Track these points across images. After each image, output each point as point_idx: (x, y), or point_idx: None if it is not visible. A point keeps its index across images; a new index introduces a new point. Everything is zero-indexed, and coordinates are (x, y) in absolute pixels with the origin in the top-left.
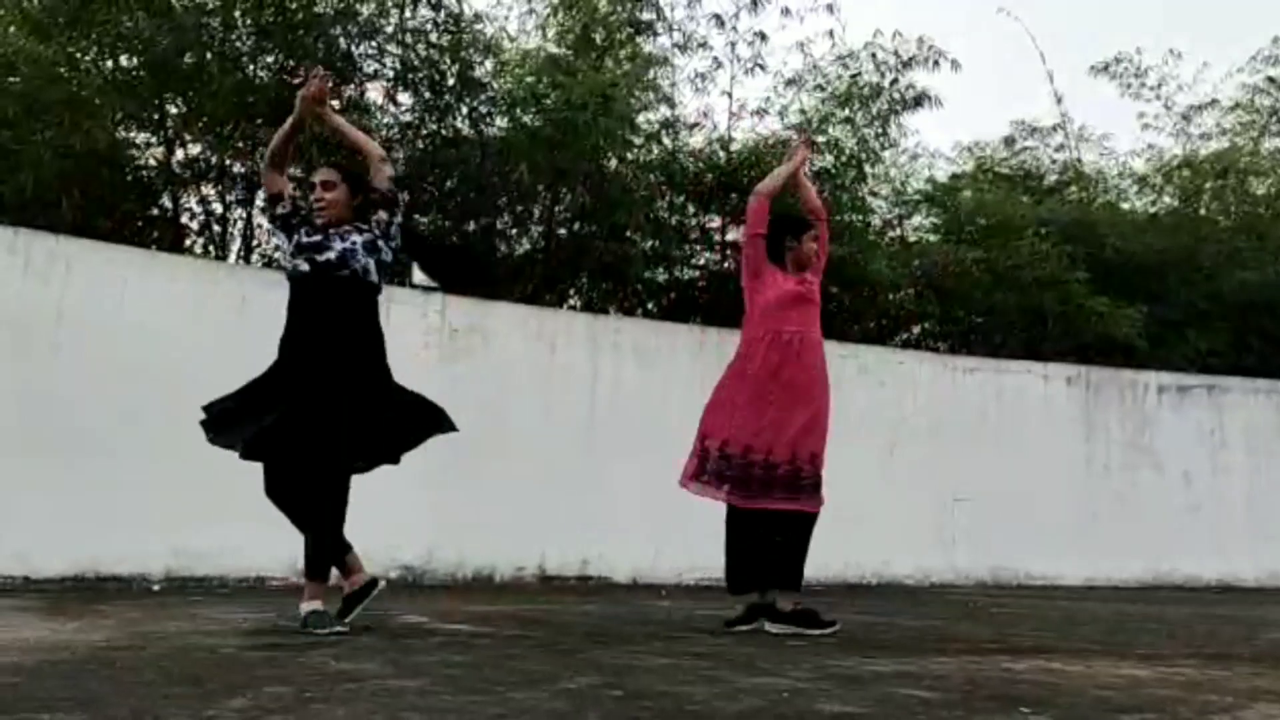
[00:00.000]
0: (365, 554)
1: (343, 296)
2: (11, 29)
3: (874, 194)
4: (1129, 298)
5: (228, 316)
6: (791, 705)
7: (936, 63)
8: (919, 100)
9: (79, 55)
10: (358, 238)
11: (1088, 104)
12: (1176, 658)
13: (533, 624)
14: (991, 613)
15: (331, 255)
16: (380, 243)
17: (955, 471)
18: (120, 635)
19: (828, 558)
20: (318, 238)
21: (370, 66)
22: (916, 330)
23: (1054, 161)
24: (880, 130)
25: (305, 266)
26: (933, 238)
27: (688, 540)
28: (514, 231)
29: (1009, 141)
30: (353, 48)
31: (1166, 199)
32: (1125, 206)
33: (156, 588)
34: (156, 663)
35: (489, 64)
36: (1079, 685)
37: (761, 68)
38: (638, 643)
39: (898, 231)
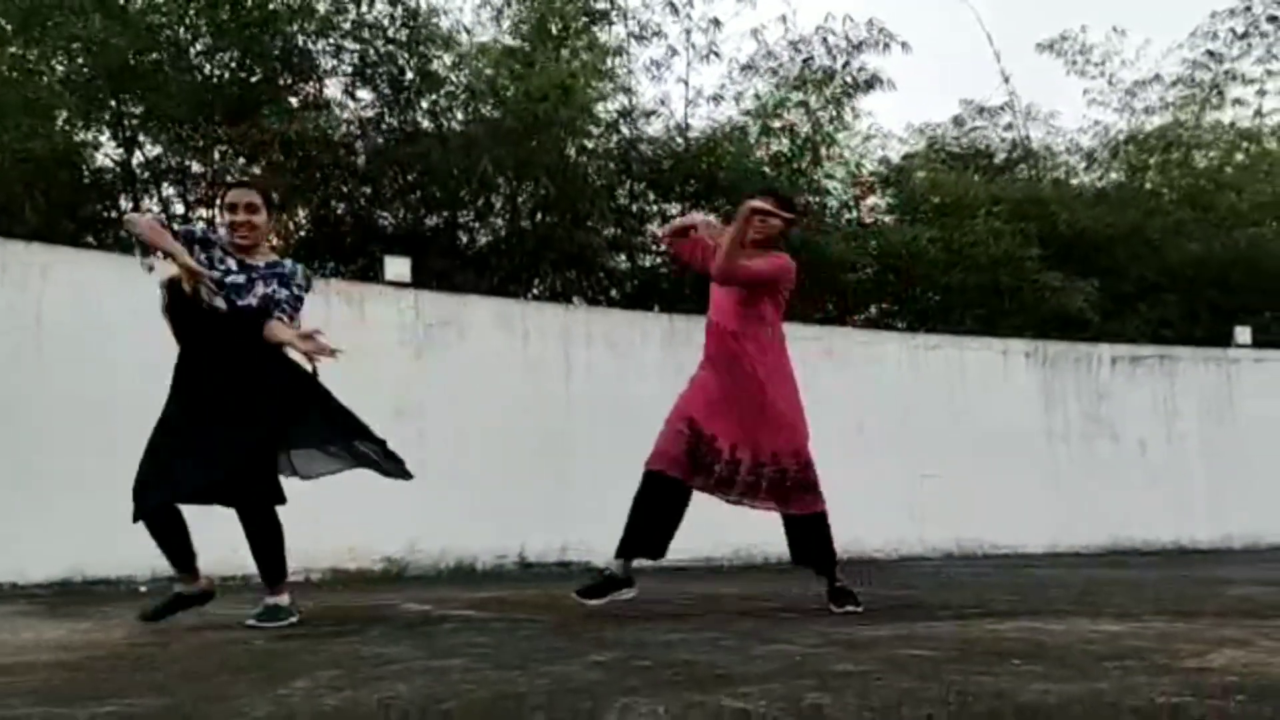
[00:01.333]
0: (349, 547)
1: (255, 335)
2: None
3: (829, 176)
4: (1081, 272)
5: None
6: (808, 666)
7: (887, 45)
8: (870, 83)
9: (34, 59)
10: (278, 286)
11: (1035, 83)
12: (1146, 614)
13: (535, 608)
14: (964, 582)
15: (253, 301)
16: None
17: (922, 447)
18: (138, 633)
19: None
20: (241, 278)
21: (328, 63)
22: (874, 310)
23: (1003, 140)
24: (834, 113)
25: (222, 305)
26: (888, 218)
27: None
28: (477, 224)
29: (958, 121)
30: (310, 44)
31: (1114, 174)
32: (1074, 182)
33: (144, 589)
34: (194, 655)
35: (447, 58)
36: (1063, 640)
37: (716, 54)
38: (642, 621)
39: (854, 213)
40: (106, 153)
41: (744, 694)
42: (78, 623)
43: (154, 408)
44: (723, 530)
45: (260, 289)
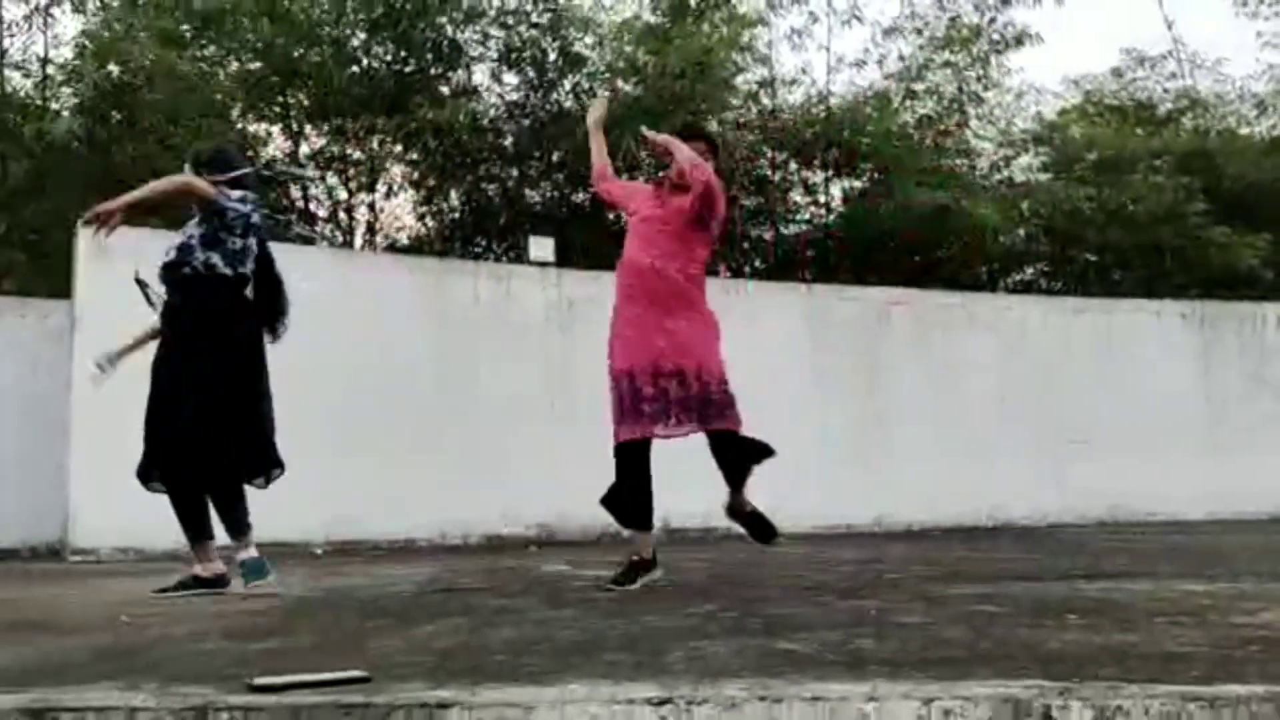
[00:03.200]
0: (503, 516)
1: (188, 293)
2: (148, 44)
3: (979, 136)
4: (1252, 227)
5: (363, 301)
6: (874, 619)
7: None
8: (1020, 39)
9: (210, 64)
10: (195, 230)
11: (1201, 28)
12: (1244, 577)
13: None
14: (1093, 548)
15: (170, 255)
16: (222, 234)
17: (1069, 413)
18: (311, 588)
19: (942, 501)
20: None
21: (475, 50)
22: (1030, 272)
23: (1166, 91)
24: (982, 72)
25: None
26: (1042, 177)
27: (803, 492)
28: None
29: (1118, 73)
30: (458, 33)
31: None
32: (1244, 132)
33: (319, 551)
34: (351, 605)
35: (588, 38)
36: (1133, 599)
37: (859, 19)
38: (751, 581)
39: (1005, 173)
40: (277, 145)
41: (801, 639)
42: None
43: (328, 380)
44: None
45: (175, 239)
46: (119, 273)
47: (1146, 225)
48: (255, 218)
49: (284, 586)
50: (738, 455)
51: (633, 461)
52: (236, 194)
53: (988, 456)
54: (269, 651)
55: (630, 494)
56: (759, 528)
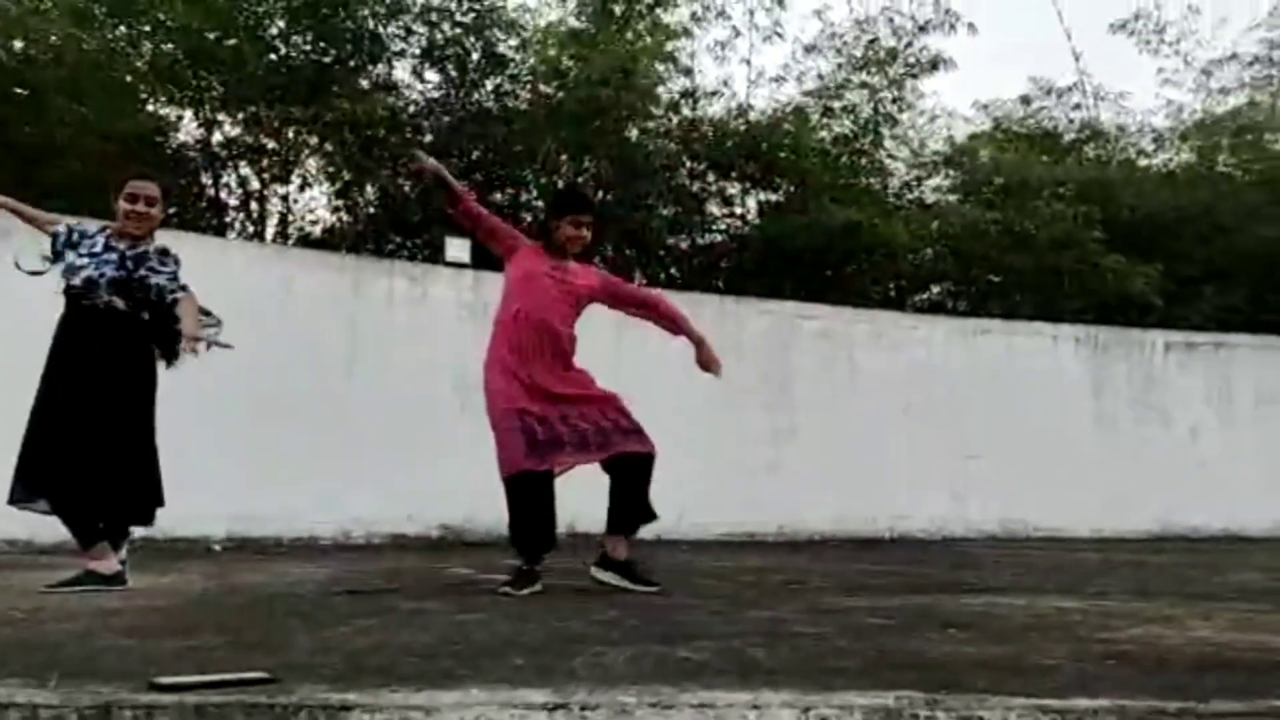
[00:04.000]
0: (409, 516)
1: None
2: (57, 20)
3: (892, 157)
4: (1145, 256)
5: (272, 299)
6: (771, 629)
7: (953, 26)
8: (935, 63)
9: (120, 43)
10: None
11: (1106, 62)
12: (1116, 594)
13: (568, 574)
14: (985, 562)
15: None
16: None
17: (968, 430)
18: (213, 585)
19: (844, 512)
20: (84, 260)
21: (397, 45)
22: (936, 290)
23: (1071, 120)
24: (897, 93)
25: (83, 292)
26: (951, 198)
27: (708, 500)
28: (540, 202)
29: (1026, 100)
30: (380, 27)
31: (1185, 155)
32: (1143, 164)
33: (218, 548)
34: (258, 604)
35: (512, 40)
36: (1012, 613)
37: (780, 35)
38: (661, 590)
39: (916, 193)
40: (188, 132)
41: (699, 647)
42: (160, 575)
43: (230, 382)
44: (766, 507)
45: (110, 272)
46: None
47: (1047, 249)
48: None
49: (182, 583)
50: (640, 493)
51: (538, 490)
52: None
53: (889, 470)
54: (175, 650)
55: (538, 524)
56: (636, 575)
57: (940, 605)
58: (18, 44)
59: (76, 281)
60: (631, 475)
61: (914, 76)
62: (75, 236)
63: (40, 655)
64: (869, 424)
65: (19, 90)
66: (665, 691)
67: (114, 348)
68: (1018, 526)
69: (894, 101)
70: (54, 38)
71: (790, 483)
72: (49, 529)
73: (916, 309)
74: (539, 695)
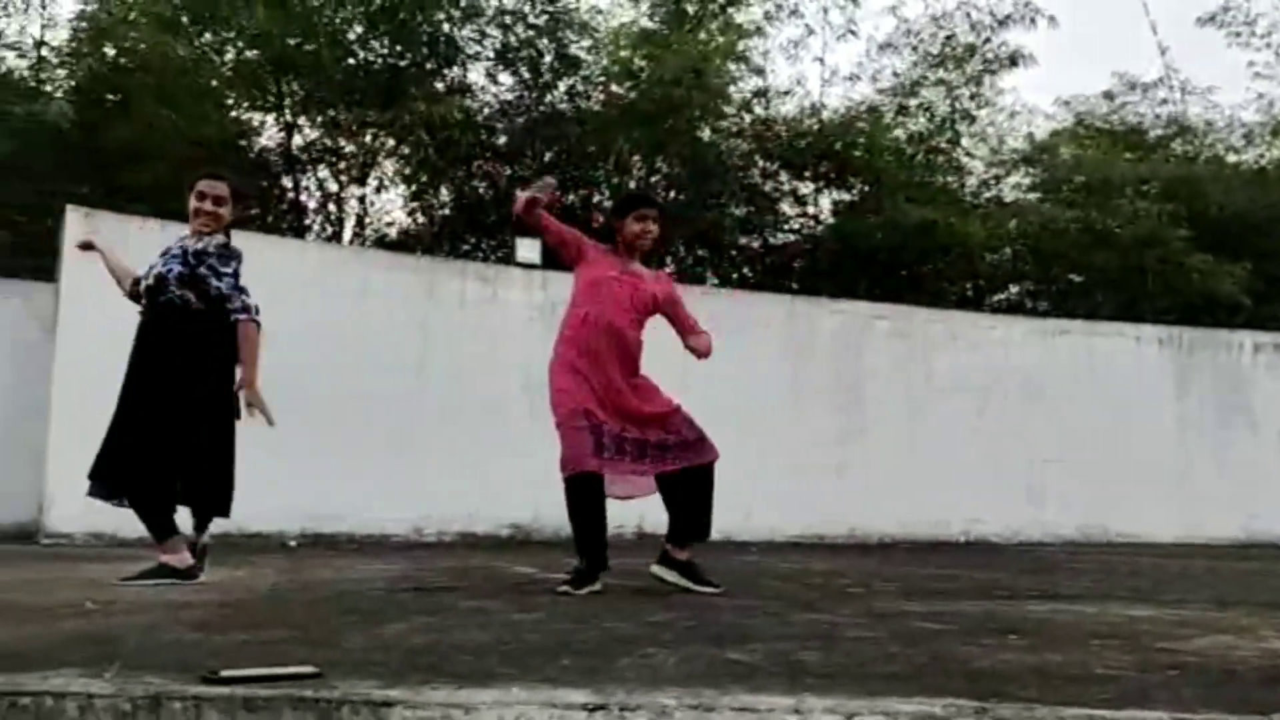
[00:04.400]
0: (478, 515)
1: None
2: (145, 29)
3: (969, 155)
4: (1233, 255)
5: (348, 300)
6: (826, 633)
7: (1034, 20)
8: (1014, 59)
9: (205, 50)
10: (179, 267)
11: (1194, 56)
12: (1191, 603)
13: (628, 575)
14: (1058, 568)
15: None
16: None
17: (1045, 432)
18: (284, 581)
19: (916, 515)
20: (174, 270)
21: (472, 48)
22: (1014, 290)
23: (1157, 116)
24: (974, 90)
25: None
26: (1030, 197)
27: (778, 502)
28: (611, 203)
29: (1109, 96)
30: (455, 30)
31: (1276, 152)
32: (1231, 160)
33: (293, 544)
34: (324, 601)
35: (585, 42)
36: (1077, 621)
37: (854, 33)
38: (720, 592)
39: (994, 192)
40: (270, 136)
41: (749, 650)
42: (235, 570)
43: (309, 379)
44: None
45: (175, 270)
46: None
47: (1130, 249)
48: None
49: (255, 578)
50: (700, 503)
51: (596, 493)
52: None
53: (963, 472)
54: (235, 644)
55: (597, 526)
56: (697, 575)
57: (1003, 611)
58: (109, 51)
59: (150, 280)
60: (692, 485)
61: (992, 72)
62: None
63: (105, 646)
64: (943, 426)
65: (110, 96)
66: (707, 694)
67: (188, 342)
68: (1097, 532)
69: (972, 98)
70: (143, 45)
71: (861, 485)
72: (132, 523)
73: (994, 309)
74: (579, 695)
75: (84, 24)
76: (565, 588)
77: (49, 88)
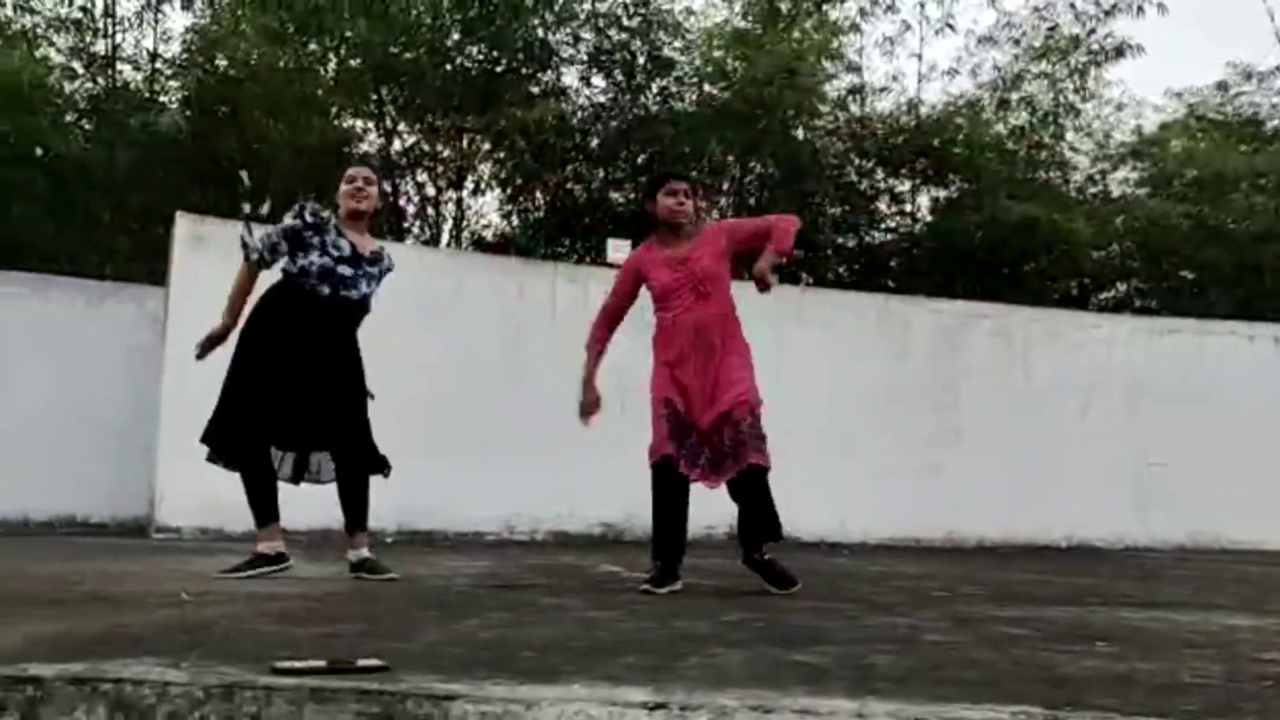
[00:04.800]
0: (571, 513)
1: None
2: (253, 40)
3: (1074, 149)
4: None
5: (445, 298)
6: (902, 637)
7: (1141, 8)
8: (1120, 50)
9: (309, 60)
10: (376, 286)
11: None
12: None
13: (710, 574)
14: (1161, 575)
15: (354, 295)
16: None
17: (1152, 435)
18: (373, 577)
19: (1016, 519)
20: (348, 270)
21: (566, 52)
22: (1121, 289)
23: (1275, 106)
24: (1079, 83)
25: (326, 291)
26: (1139, 192)
27: (872, 504)
28: (705, 205)
29: (1223, 86)
30: (549, 34)
31: None
32: None
33: (389, 540)
34: (407, 595)
35: (677, 43)
36: (1172, 630)
37: (951, 27)
38: (799, 593)
39: (1100, 187)
40: (370, 142)
41: (820, 652)
42: (327, 565)
43: (403, 381)
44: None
45: (363, 287)
46: (212, 261)
47: (1245, 245)
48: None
49: (345, 573)
50: (757, 506)
51: (677, 485)
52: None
53: (1065, 475)
54: (313, 636)
55: (676, 522)
56: (775, 575)
57: (1094, 618)
58: (220, 63)
59: (326, 273)
60: (745, 489)
61: (1098, 64)
62: (310, 234)
63: (190, 636)
64: (1044, 428)
65: (220, 106)
66: (767, 696)
67: (350, 334)
68: (1207, 538)
69: (1076, 91)
70: (251, 56)
71: (958, 487)
72: (239, 516)
73: (1099, 308)
74: (639, 694)
75: (195, 36)
76: (646, 586)
77: (163, 99)
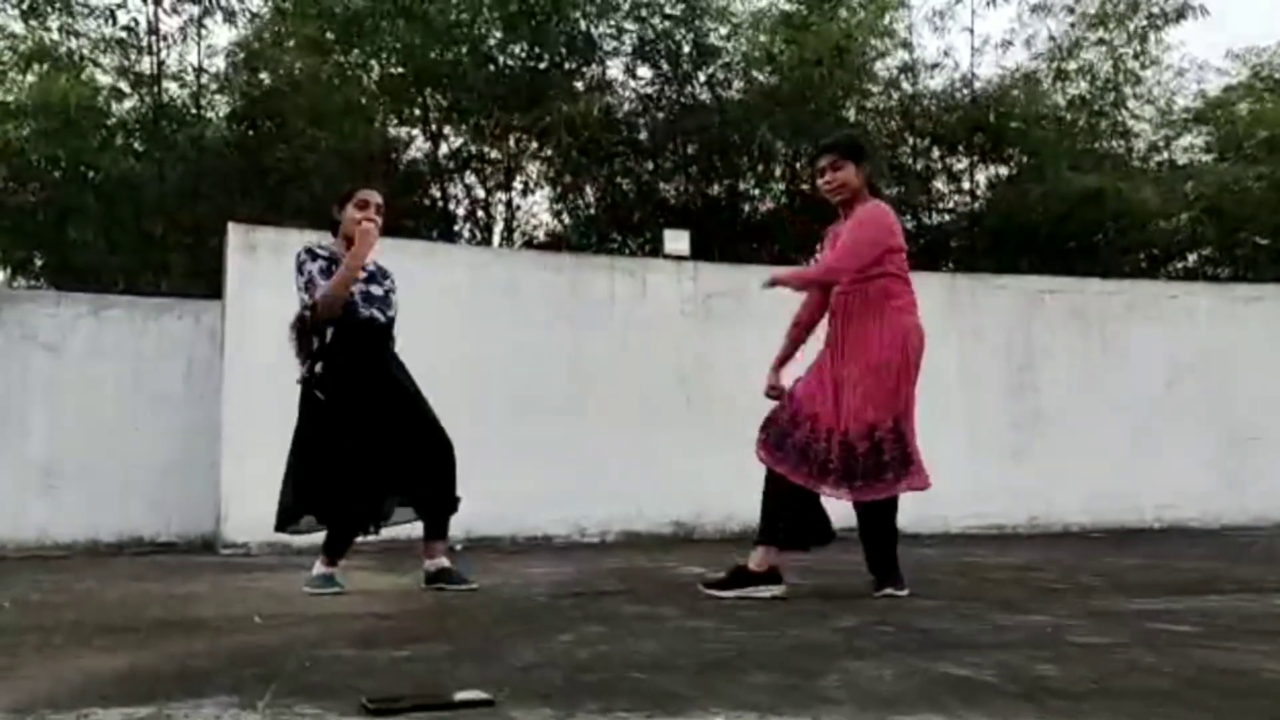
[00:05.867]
0: (639, 512)
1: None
2: (295, 51)
3: (1136, 117)
4: None
5: (499, 298)
6: (1049, 638)
7: None
8: (1181, 12)
9: (352, 68)
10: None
11: None
12: None
13: (800, 571)
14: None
15: (394, 313)
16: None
17: (1242, 408)
18: (447, 588)
19: (1102, 501)
20: (380, 289)
21: (609, 44)
22: (1193, 259)
23: None
24: (1139, 48)
25: (381, 318)
26: (1206, 158)
27: (951, 491)
28: (758, 191)
29: None
30: (592, 28)
31: None
32: None
33: (458, 547)
34: (487, 609)
35: (723, 29)
36: None
37: None
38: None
39: (1165, 155)
40: (417, 147)
41: (969, 662)
42: (402, 576)
43: (463, 384)
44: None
45: (394, 300)
46: (266, 269)
47: None
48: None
49: (418, 586)
50: (870, 540)
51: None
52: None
53: (1152, 453)
54: (397, 661)
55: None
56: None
57: (1251, 608)
58: (264, 76)
59: (376, 315)
60: (864, 518)
61: (1157, 28)
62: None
63: (265, 666)
64: (1126, 404)
65: (265, 119)
66: None
67: (391, 354)
68: None
69: (1136, 57)
70: (295, 68)
71: (1040, 470)
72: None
73: (1170, 278)
74: None
75: (238, 49)
76: (714, 591)
77: (209, 114)
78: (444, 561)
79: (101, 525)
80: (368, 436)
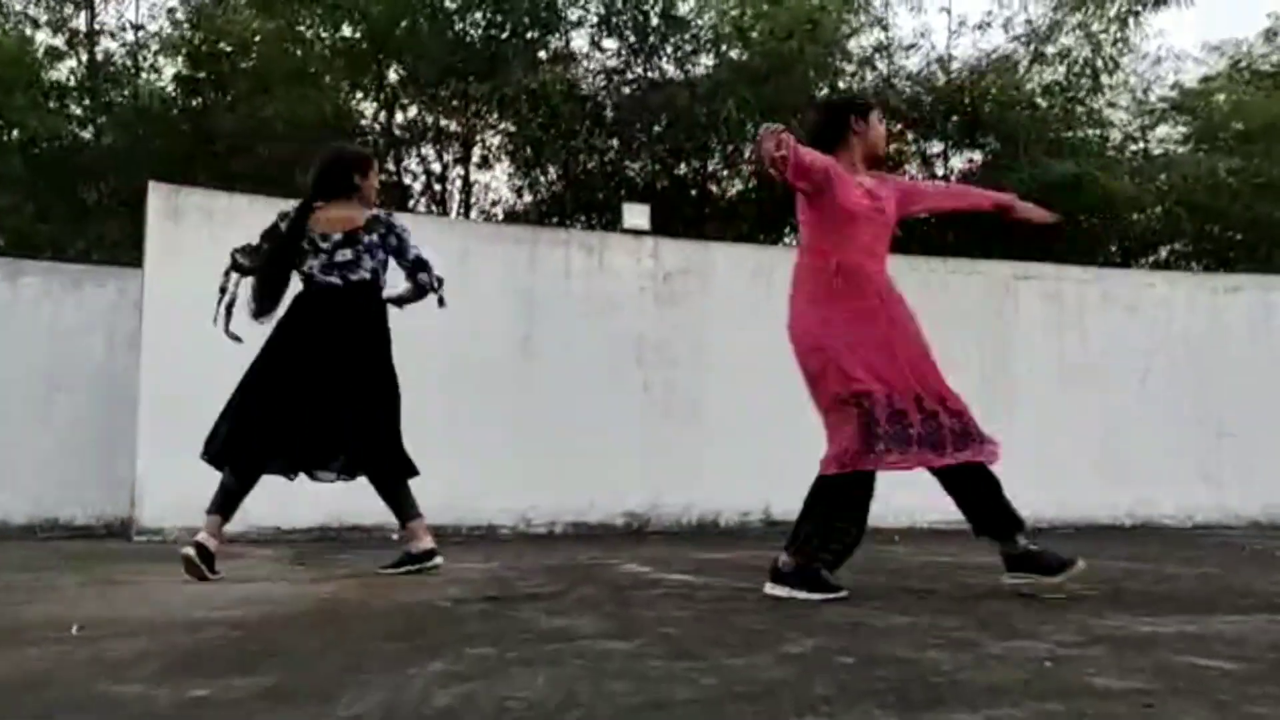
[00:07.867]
0: (591, 503)
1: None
2: (244, 12)
3: (1112, 105)
4: None
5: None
6: (1055, 677)
7: None
8: (1161, 0)
9: (303, 29)
10: (382, 254)
11: None
12: None
13: (756, 572)
14: (1268, 557)
15: (366, 275)
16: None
17: (1219, 402)
18: (349, 587)
19: (1072, 497)
20: (348, 253)
21: (574, 14)
22: (1165, 251)
23: None
24: (1118, 35)
25: (340, 283)
26: (1182, 149)
27: (920, 482)
28: (725, 172)
29: (1270, 35)
30: None
31: None
32: None
33: (396, 537)
34: (374, 617)
35: (691, 1)
36: None
37: None
38: (871, 596)
39: (1140, 145)
40: (370, 116)
41: (964, 713)
42: (305, 574)
43: (410, 363)
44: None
45: (368, 262)
46: (193, 237)
47: None
48: None
49: (317, 582)
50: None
51: (862, 494)
52: None
53: (1127, 448)
54: (184, 706)
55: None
56: (1043, 563)
57: (1277, 631)
58: (209, 36)
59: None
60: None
61: (1136, 15)
62: None
63: (34, 692)
64: (1101, 396)
65: (211, 81)
66: None
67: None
68: None
69: (1114, 44)
70: (242, 29)
71: (1012, 463)
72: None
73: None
74: None
75: (183, 8)
76: (775, 589)
77: (150, 76)
78: (416, 545)
79: (12, 507)
80: (279, 389)
